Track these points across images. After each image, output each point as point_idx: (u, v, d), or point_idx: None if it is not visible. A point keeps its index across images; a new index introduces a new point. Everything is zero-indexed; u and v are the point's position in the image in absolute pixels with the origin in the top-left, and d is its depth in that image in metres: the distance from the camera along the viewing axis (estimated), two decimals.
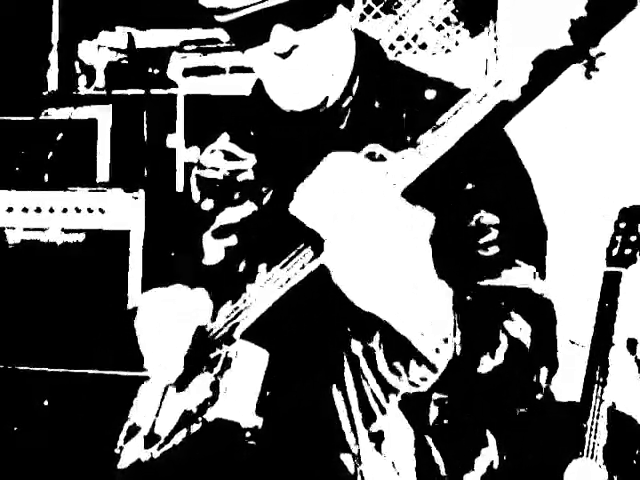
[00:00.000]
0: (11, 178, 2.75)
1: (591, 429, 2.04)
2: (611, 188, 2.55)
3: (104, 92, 2.85)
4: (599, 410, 2.05)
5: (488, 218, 1.20)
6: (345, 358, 1.25)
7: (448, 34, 2.69)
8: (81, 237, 2.46)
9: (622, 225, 2.26)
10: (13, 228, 2.50)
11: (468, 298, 1.02)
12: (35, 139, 2.78)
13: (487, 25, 2.66)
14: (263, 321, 1.19)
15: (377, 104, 1.31)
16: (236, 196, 1.40)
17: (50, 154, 2.76)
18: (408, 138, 1.26)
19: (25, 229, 2.50)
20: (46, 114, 2.79)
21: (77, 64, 2.96)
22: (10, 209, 2.51)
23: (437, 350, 0.99)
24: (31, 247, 2.49)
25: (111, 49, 2.87)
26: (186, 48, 2.71)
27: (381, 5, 2.73)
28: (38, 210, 2.49)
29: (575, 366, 2.08)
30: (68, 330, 2.42)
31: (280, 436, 1.23)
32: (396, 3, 2.71)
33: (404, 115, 1.28)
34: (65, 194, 2.48)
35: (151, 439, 1.29)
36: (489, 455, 1.27)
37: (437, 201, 0.93)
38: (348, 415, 1.24)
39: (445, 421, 1.23)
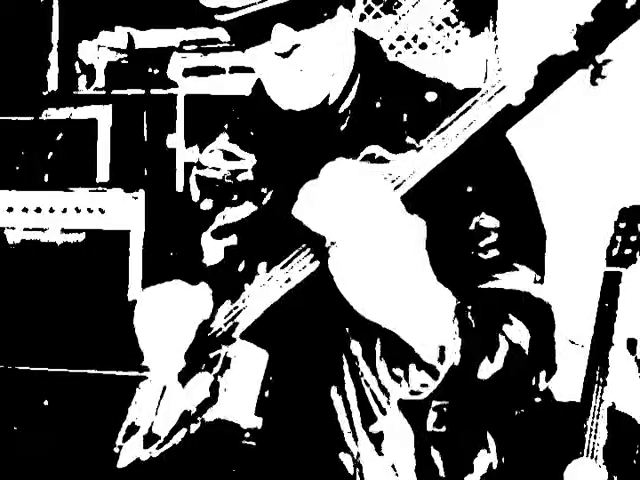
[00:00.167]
0: (11, 178, 2.75)
1: (591, 429, 2.04)
2: (611, 188, 2.55)
3: (104, 92, 2.85)
4: (599, 410, 2.05)
5: (488, 221, 1.20)
6: (344, 358, 1.25)
7: (448, 34, 2.68)
8: (81, 237, 2.46)
9: (622, 225, 2.25)
10: (13, 228, 2.50)
11: (468, 304, 1.02)
12: (35, 139, 2.78)
13: (487, 25, 2.66)
14: (263, 321, 1.19)
15: (377, 105, 1.31)
16: (236, 196, 1.40)
17: (50, 154, 2.76)
18: (408, 139, 1.26)
19: (25, 229, 2.50)
20: (46, 114, 2.79)
21: (77, 64, 2.96)
22: (10, 209, 2.51)
23: (438, 355, 0.99)
24: (31, 247, 2.49)
25: (111, 49, 2.87)
26: (186, 48, 2.71)
27: (381, 5, 2.73)
28: (38, 210, 2.49)
29: (575, 366, 2.08)
30: (68, 330, 2.42)
31: (280, 436, 1.23)
32: (396, 3, 2.71)
33: (404, 116, 1.28)
34: (65, 194, 2.48)
35: (150, 439, 1.29)
36: (489, 456, 1.27)
37: (437, 204, 0.93)
38: (347, 416, 1.24)
39: (443, 428, 1.23)
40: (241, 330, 1.22)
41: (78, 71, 2.95)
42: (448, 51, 2.69)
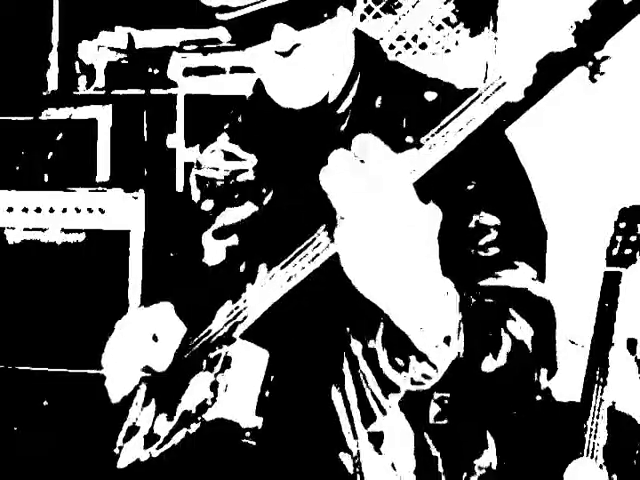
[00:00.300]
0: (11, 178, 2.75)
1: (591, 429, 2.04)
2: (611, 188, 2.55)
3: (104, 92, 2.85)
4: (599, 410, 2.05)
5: (488, 219, 1.20)
6: (345, 358, 1.25)
7: (448, 34, 2.69)
8: (81, 237, 2.46)
9: (622, 225, 2.25)
10: (13, 228, 2.50)
11: (472, 298, 1.01)
12: (35, 139, 2.78)
13: (487, 25, 2.66)
14: (263, 321, 1.19)
15: (377, 104, 1.31)
16: (236, 196, 1.40)
17: (50, 154, 2.76)
18: (408, 138, 1.26)
19: (25, 229, 2.50)
20: (46, 114, 2.79)
21: (77, 64, 2.96)
22: (10, 209, 2.51)
23: (437, 347, 0.99)
24: (31, 247, 2.49)
25: (111, 49, 2.87)
26: (186, 48, 2.71)
27: (381, 5, 2.73)
28: (38, 210, 2.49)
29: (575, 366, 2.08)
30: (68, 330, 2.42)
31: (280, 436, 1.23)
32: (396, 3, 2.72)
33: (404, 116, 1.28)
34: (65, 194, 2.48)
35: (150, 439, 1.29)
36: (489, 455, 1.27)
37: (437, 201, 0.92)
38: (347, 415, 1.24)
39: (445, 420, 1.23)
40: (242, 330, 1.22)
41: (78, 71, 2.95)
42: (448, 51, 2.69)
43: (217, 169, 1.46)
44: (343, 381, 1.25)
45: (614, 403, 2.10)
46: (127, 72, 2.87)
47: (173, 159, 2.70)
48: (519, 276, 1.17)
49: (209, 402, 1.21)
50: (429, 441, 1.24)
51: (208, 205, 1.45)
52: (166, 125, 2.74)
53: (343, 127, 1.32)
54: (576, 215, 2.59)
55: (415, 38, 2.70)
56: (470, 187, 1.21)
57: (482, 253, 1.19)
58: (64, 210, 2.47)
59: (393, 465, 1.22)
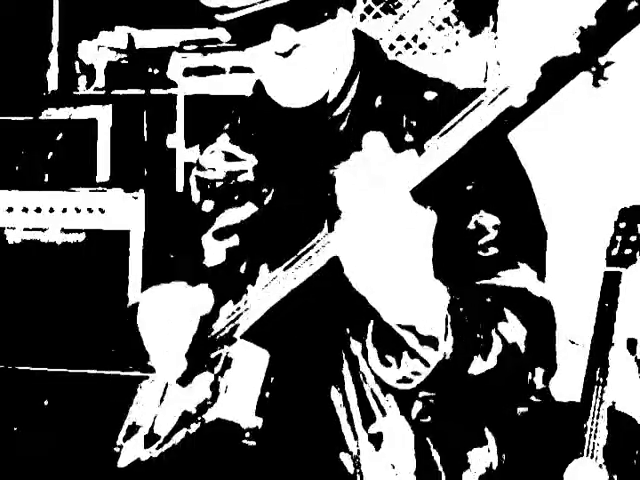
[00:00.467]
0: (11, 178, 2.75)
1: (591, 429, 2.04)
2: (611, 188, 2.55)
3: (104, 92, 2.85)
4: (599, 410, 2.05)
5: (487, 219, 1.20)
6: (345, 359, 1.25)
7: (448, 34, 2.69)
8: (81, 237, 2.46)
9: (622, 225, 2.25)
10: (13, 228, 2.50)
11: (459, 298, 1.02)
12: (35, 139, 2.78)
13: (487, 25, 2.67)
14: (264, 322, 1.19)
15: (377, 104, 1.31)
16: (236, 197, 1.40)
17: (50, 154, 2.76)
18: (407, 138, 1.27)
19: (25, 229, 2.50)
20: (46, 114, 2.79)
21: (77, 64, 2.96)
22: (10, 209, 2.51)
23: (425, 344, 0.99)
24: (31, 247, 2.49)
25: (111, 49, 2.87)
26: (186, 48, 2.71)
27: (381, 5, 2.73)
28: (38, 210, 2.49)
29: (575, 366, 2.08)
30: (68, 330, 2.42)
31: (280, 436, 1.23)
32: (396, 3, 2.71)
33: (404, 116, 1.28)
34: (65, 194, 2.48)
35: (151, 438, 1.29)
36: (489, 455, 1.27)
37: (437, 201, 0.93)
38: (347, 416, 1.24)
39: (428, 418, 1.23)
40: (243, 330, 1.22)
41: (78, 71, 2.95)
42: (448, 51, 2.69)
43: (217, 170, 1.46)
44: (343, 381, 1.25)
45: (614, 403, 2.10)
46: (127, 72, 2.87)
47: (173, 159, 2.70)
48: (518, 276, 1.17)
49: (209, 402, 1.21)
50: (429, 441, 1.24)
51: (208, 206, 1.45)
52: (166, 125, 2.74)
53: (343, 127, 1.32)
54: (576, 215, 2.59)
55: (415, 38, 2.70)
56: (470, 187, 1.21)
57: (482, 253, 1.19)
58: (64, 210, 2.47)
59: (393, 466, 1.22)
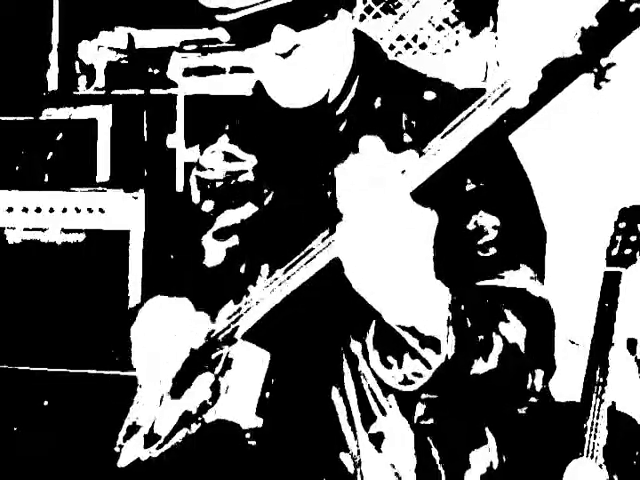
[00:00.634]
0: (11, 178, 2.75)
1: (591, 429, 2.04)
2: (611, 188, 2.55)
3: (104, 92, 2.85)
4: (599, 410, 2.05)
5: (487, 219, 1.20)
6: (345, 359, 1.25)
7: (448, 34, 2.69)
8: (81, 237, 2.46)
9: (622, 225, 2.26)
10: (13, 228, 2.50)
11: (460, 298, 1.02)
12: (35, 139, 2.78)
13: (487, 25, 2.67)
14: (264, 322, 1.19)
15: (377, 104, 1.31)
16: (236, 197, 1.40)
17: (50, 154, 2.76)
18: (407, 138, 1.27)
19: (25, 229, 2.50)
20: (46, 114, 2.79)
21: (77, 64, 2.96)
22: (10, 209, 2.51)
23: (427, 346, 0.99)
24: (31, 247, 2.49)
25: (111, 49, 2.87)
26: (186, 48, 2.71)
27: (381, 5, 2.73)
28: (38, 210, 2.49)
29: (575, 366, 2.08)
30: (68, 330, 2.42)
31: (280, 436, 1.23)
32: (396, 3, 2.71)
33: (404, 116, 1.28)
34: (65, 194, 2.48)
35: (151, 438, 1.29)
36: (489, 455, 1.27)
37: (437, 202, 0.93)
38: (348, 416, 1.24)
39: (430, 420, 1.23)
40: (243, 331, 1.22)
41: (78, 71, 2.95)
42: (448, 51, 2.69)
43: (217, 170, 1.46)
44: (343, 382, 1.25)
45: (614, 403, 2.10)
46: (127, 72, 2.87)
47: (173, 159, 2.70)
48: (518, 276, 1.17)
49: (210, 402, 1.21)
50: (429, 441, 1.24)
51: (208, 206, 1.45)
52: (166, 125, 2.74)
53: (342, 127, 1.32)
54: (576, 215, 2.59)
55: (415, 38, 2.70)
56: (470, 187, 1.21)
57: (481, 253, 1.19)
58: (64, 210, 2.47)
59: (393, 465, 1.22)
